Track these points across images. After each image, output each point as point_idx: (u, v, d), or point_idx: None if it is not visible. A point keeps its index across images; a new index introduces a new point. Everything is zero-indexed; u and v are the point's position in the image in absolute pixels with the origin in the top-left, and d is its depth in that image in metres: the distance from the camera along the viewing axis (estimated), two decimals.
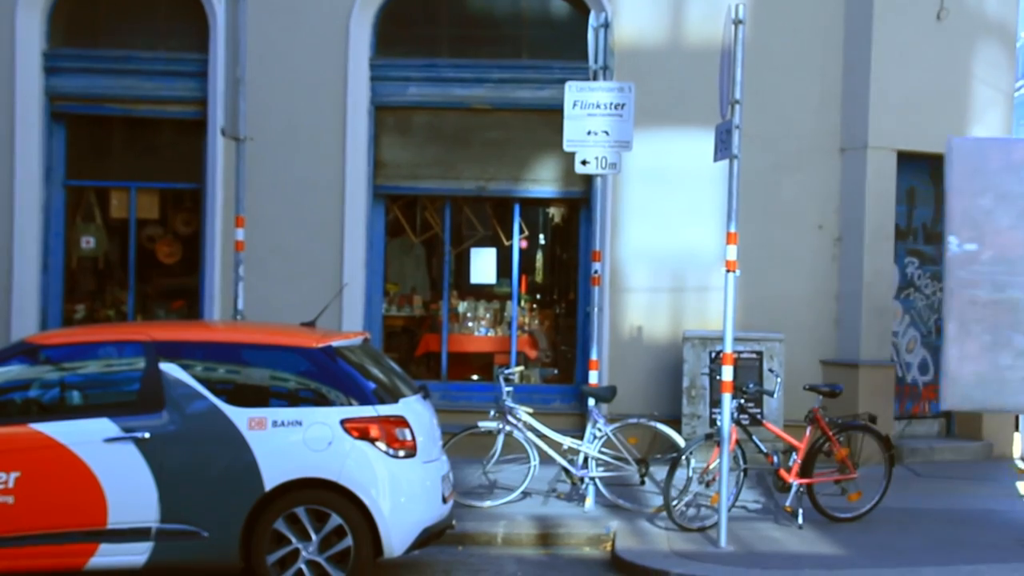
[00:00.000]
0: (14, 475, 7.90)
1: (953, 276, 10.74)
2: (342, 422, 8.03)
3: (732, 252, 9.23)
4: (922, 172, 13.77)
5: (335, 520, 7.99)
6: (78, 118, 13.58)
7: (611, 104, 10.73)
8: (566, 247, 14.13)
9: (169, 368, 8.12)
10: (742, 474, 10.10)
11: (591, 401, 10.77)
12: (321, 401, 8.19)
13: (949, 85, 13.41)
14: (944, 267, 10.89)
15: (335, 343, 8.43)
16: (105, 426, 7.99)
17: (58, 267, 13.51)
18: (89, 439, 7.96)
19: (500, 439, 10.75)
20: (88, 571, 7.98)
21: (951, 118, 13.46)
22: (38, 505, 7.88)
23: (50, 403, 8.38)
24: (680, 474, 9.97)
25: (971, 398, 10.82)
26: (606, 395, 10.82)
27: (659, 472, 10.74)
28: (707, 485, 10.02)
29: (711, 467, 9.90)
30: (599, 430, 10.63)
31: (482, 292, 13.83)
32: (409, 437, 8.16)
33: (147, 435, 7.96)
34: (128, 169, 13.77)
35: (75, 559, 7.92)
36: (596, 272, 11.12)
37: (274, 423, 8.00)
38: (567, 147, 10.89)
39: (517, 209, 13.49)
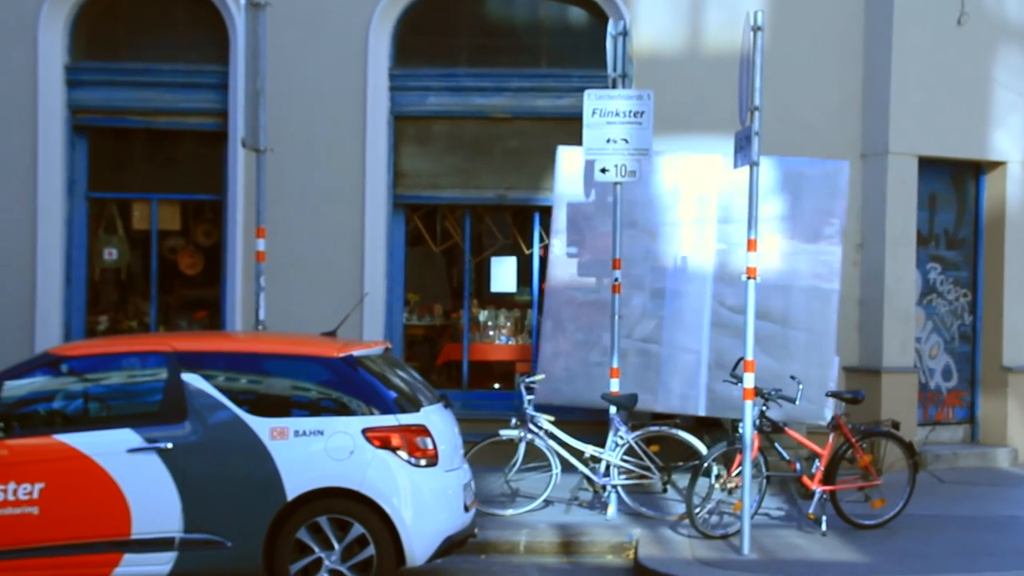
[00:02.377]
0: (39, 486, 7.95)
1: (555, 276, 11.44)
2: (364, 431, 8.05)
3: (752, 259, 9.20)
4: (944, 177, 13.73)
5: (357, 529, 8.00)
6: (100, 131, 13.64)
7: (630, 112, 10.73)
8: None
9: (191, 378, 8.15)
10: (765, 481, 10.08)
11: (612, 409, 10.76)
12: (342, 410, 8.19)
13: (970, 90, 13.36)
14: (548, 268, 11.48)
15: (356, 352, 8.44)
16: (128, 437, 8.02)
17: (81, 279, 13.57)
18: (113, 450, 8.00)
19: (522, 447, 10.76)
20: None
21: (972, 123, 13.41)
22: (63, 516, 7.92)
23: (74, 414, 8.43)
24: (702, 482, 9.95)
25: (561, 392, 11.43)
26: (628, 403, 10.79)
27: (681, 480, 10.73)
28: (730, 492, 9.99)
29: (733, 474, 9.88)
30: (621, 438, 10.62)
31: (503, 301, 13.82)
32: (431, 446, 8.16)
33: (170, 445, 7.99)
34: (149, 181, 13.85)
35: (99, 570, 7.94)
36: (616, 279, 11.11)
37: (296, 433, 8.03)
38: (586, 155, 10.90)
39: (537, 218, 13.48)
